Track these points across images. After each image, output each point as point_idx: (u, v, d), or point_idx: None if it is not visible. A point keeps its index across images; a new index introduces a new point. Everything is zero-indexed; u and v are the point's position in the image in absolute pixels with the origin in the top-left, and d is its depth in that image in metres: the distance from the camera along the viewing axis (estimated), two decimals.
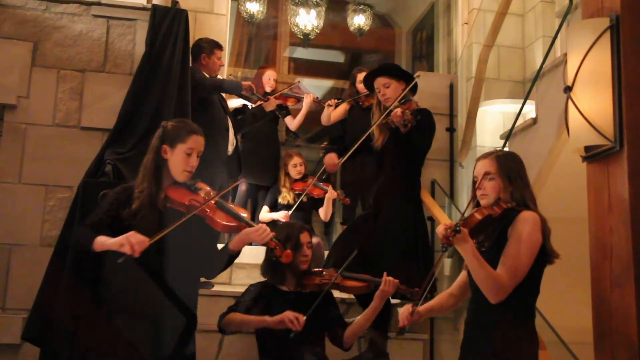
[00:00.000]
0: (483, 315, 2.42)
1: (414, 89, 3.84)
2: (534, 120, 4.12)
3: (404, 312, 2.56)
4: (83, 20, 3.97)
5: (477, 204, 2.53)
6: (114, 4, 3.99)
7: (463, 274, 2.65)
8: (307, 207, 4.96)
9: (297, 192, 4.94)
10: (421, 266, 3.50)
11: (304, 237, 3.10)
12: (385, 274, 3.02)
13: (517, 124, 4.24)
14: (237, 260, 2.85)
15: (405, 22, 8.02)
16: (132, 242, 2.40)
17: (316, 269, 3.24)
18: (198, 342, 2.78)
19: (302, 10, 6.34)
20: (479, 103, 5.09)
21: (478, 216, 2.42)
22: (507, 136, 4.04)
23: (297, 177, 4.98)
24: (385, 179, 3.75)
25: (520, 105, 4.24)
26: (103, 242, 2.47)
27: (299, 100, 5.44)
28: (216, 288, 4.17)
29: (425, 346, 4.05)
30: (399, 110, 3.56)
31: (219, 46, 4.71)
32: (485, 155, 2.56)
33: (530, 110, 4.31)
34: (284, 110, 5.45)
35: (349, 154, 3.76)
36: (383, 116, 3.69)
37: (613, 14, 2.63)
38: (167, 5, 4.04)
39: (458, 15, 6.13)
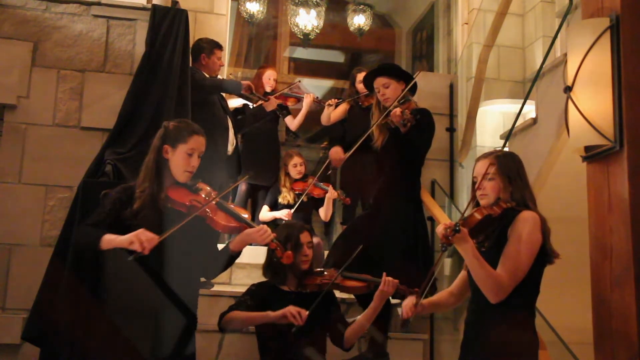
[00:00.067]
0: (483, 315, 2.43)
1: (413, 89, 3.84)
2: (534, 120, 4.12)
3: (407, 303, 2.57)
4: (83, 20, 3.97)
5: (477, 204, 2.53)
6: (114, 4, 3.99)
7: (463, 274, 2.65)
8: (308, 207, 4.96)
9: (297, 192, 4.95)
10: (421, 266, 3.50)
11: (304, 237, 3.10)
12: (384, 274, 3.02)
13: (517, 124, 4.25)
14: (237, 260, 2.85)
15: (405, 22, 8.02)
16: (141, 239, 2.40)
17: (317, 269, 3.24)
18: (198, 342, 2.79)
19: (302, 10, 6.33)
20: (479, 103, 5.09)
21: (478, 216, 2.42)
22: (507, 136, 4.05)
23: (297, 177, 4.98)
24: (385, 179, 3.75)
25: (520, 105, 4.24)
26: (112, 240, 2.47)
27: (299, 100, 5.44)
28: (216, 288, 4.17)
29: (425, 346, 4.05)
30: (398, 110, 3.56)
31: (219, 46, 4.71)
32: (485, 156, 2.56)
33: (530, 110, 4.31)
34: (284, 110, 5.45)
35: (354, 148, 3.76)
36: (383, 116, 3.69)
37: (613, 14, 2.63)
38: (167, 5, 4.04)
39: (458, 15, 6.13)
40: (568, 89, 2.69)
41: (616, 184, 2.56)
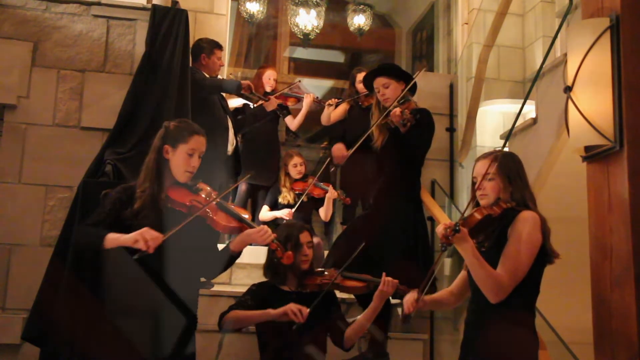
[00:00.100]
0: (483, 315, 2.43)
1: (413, 89, 3.84)
2: (534, 120, 4.12)
3: (409, 299, 2.57)
4: (83, 20, 3.97)
5: (477, 204, 2.53)
6: (114, 4, 3.99)
7: (463, 274, 2.65)
8: (308, 207, 4.96)
9: (297, 192, 4.95)
10: (421, 266, 3.50)
11: (304, 237, 3.10)
12: (384, 274, 3.02)
13: (517, 124, 4.24)
14: (237, 261, 2.85)
15: (405, 22, 8.02)
16: (146, 238, 2.40)
17: (318, 269, 3.24)
18: (198, 342, 2.78)
19: (302, 10, 6.33)
20: (479, 103, 5.09)
21: (478, 216, 2.42)
22: (507, 136, 4.04)
23: (298, 177, 4.98)
24: (385, 179, 3.75)
25: (520, 105, 4.23)
26: (116, 238, 2.47)
27: (299, 100, 5.44)
28: (216, 288, 4.17)
29: (425, 346, 4.05)
30: (398, 110, 3.56)
31: (219, 46, 4.71)
32: (485, 156, 2.56)
33: (530, 110, 4.31)
34: (285, 110, 5.45)
35: (357, 144, 3.76)
36: (382, 117, 3.69)
37: (613, 14, 2.63)
38: (167, 5, 4.04)
39: (458, 15, 6.13)
40: (568, 89, 2.69)
41: (616, 184, 2.55)
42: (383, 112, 3.72)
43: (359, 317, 3.10)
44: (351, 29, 6.80)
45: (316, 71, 8.03)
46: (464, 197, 4.92)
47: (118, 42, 3.99)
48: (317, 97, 5.54)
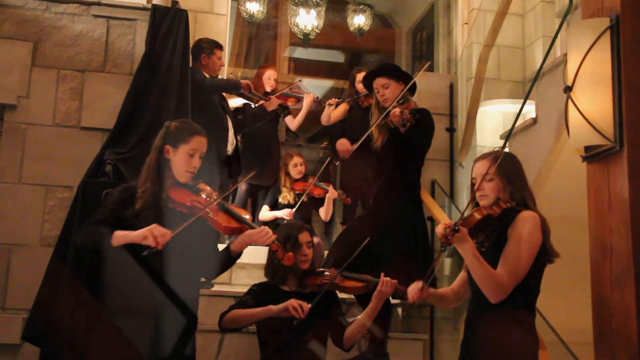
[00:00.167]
0: (483, 315, 2.42)
1: (413, 89, 3.84)
2: (534, 120, 4.12)
3: (413, 288, 2.57)
4: (83, 20, 3.97)
5: (477, 205, 2.53)
6: (114, 4, 4.00)
7: (463, 275, 2.65)
8: (308, 207, 4.96)
9: (297, 192, 4.95)
10: (421, 266, 3.49)
11: (303, 237, 3.10)
12: (382, 274, 3.02)
13: (517, 124, 4.24)
14: (237, 261, 2.84)
15: (405, 22, 8.02)
16: (155, 234, 2.41)
17: (318, 270, 3.24)
18: (198, 342, 2.79)
19: (302, 10, 6.33)
20: (479, 103, 5.09)
21: (477, 216, 2.42)
22: (507, 136, 4.04)
23: (298, 176, 4.98)
24: (385, 179, 3.75)
25: (520, 105, 4.23)
26: (124, 235, 2.47)
27: (299, 100, 5.44)
28: (216, 288, 4.17)
29: (425, 346, 4.05)
30: (397, 110, 3.56)
31: (219, 46, 4.71)
32: (483, 157, 2.57)
33: (530, 110, 4.31)
34: (285, 110, 5.45)
35: (361, 140, 3.76)
36: (382, 117, 3.69)
37: (613, 14, 2.63)
38: (167, 5, 4.04)
39: (458, 15, 6.13)
40: (568, 89, 2.69)
41: (616, 184, 2.55)
42: (383, 112, 3.72)
43: (358, 317, 3.10)
44: (351, 29, 6.79)
45: (316, 71, 8.03)
46: (464, 197, 4.92)
47: (118, 42, 3.99)
48: (317, 97, 5.54)
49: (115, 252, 2.49)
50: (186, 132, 2.68)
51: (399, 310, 4.31)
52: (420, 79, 3.99)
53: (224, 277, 4.56)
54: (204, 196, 2.67)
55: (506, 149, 4.05)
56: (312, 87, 6.65)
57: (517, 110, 4.24)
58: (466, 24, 5.95)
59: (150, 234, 2.40)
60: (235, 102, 5.15)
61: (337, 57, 8.33)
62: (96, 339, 2.58)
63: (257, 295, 3.03)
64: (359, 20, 6.71)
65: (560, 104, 3.04)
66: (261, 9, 6.33)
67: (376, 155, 3.80)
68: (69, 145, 3.83)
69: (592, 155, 2.67)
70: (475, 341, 2.44)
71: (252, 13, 6.29)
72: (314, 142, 7.25)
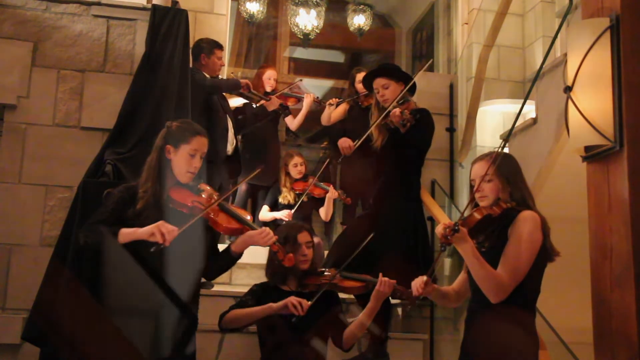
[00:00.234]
0: (483, 315, 2.42)
1: (412, 89, 3.84)
2: (534, 120, 4.12)
3: (417, 281, 2.57)
4: (83, 20, 3.97)
5: (476, 206, 2.53)
6: (114, 4, 4.00)
7: (463, 276, 2.65)
8: (308, 207, 4.96)
9: (297, 192, 4.95)
10: (421, 266, 3.49)
11: (302, 237, 3.10)
12: (380, 274, 3.01)
13: (517, 124, 4.24)
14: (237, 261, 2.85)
15: (405, 22, 8.02)
16: (162, 231, 2.41)
17: (319, 270, 3.24)
18: (198, 342, 2.78)
19: (302, 10, 6.33)
20: (479, 103, 5.09)
21: (477, 216, 2.42)
22: (507, 136, 4.04)
23: (298, 176, 4.98)
24: (385, 179, 3.75)
25: (520, 105, 4.24)
26: (130, 233, 2.48)
27: (299, 100, 5.44)
28: (216, 288, 4.16)
29: (425, 346, 4.05)
30: (397, 110, 3.56)
31: (218, 46, 4.71)
32: (481, 157, 2.57)
33: (530, 110, 4.31)
34: (286, 110, 5.45)
35: (362, 139, 3.76)
36: (382, 117, 3.69)
37: (613, 14, 2.63)
38: (167, 5, 4.04)
39: (458, 15, 6.13)
40: (568, 89, 2.69)
41: (616, 184, 2.55)
42: (382, 112, 3.72)
43: (357, 317, 3.10)
44: (351, 29, 6.79)
45: (316, 71, 8.03)
46: (464, 197, 4.92)
47: (118, 42, 3.99)
48: (317, 97, 5.54)
49: (115, 251, 2.49)
50: (187, 132, 2.68)
51: (399, 310, 4.31)
52: (420, 79, 3.99)
53: (224, 277, 4.55)
54: (204, 196, 2.67)
55: (505, 149, 4.06)
56: (312, 87, 6.65)
57: (517, 110, 4.25)
58: (466, 24, 5.95)
59: (158, 231, 2.41)
60: (235, 102, 5.15)
61: (337, 57, 8.32)
62: (96, 339, 2.58)
63: (257, 295, 3.03)
64: (359, 20, 6.71)
65: (560, 104, 3.04)
66: (261, 9, 6.33)
67: (376, 155, 3.80)
68: (69, 145, 3.83)
69: (592, 155, 2.67)
70: (475, 341, 2.44)
71: (252, 13, 6.29)
72: (314, 142, 7.25)
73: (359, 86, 4.97)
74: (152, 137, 2.77)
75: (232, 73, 6.47)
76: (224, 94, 4.84)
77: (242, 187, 5.24)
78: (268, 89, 5.34)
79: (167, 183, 2.65)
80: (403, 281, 3.04)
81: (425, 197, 4.36)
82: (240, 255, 2.75)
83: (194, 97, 3.97)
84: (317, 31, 6.41)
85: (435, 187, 4.96)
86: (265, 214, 4.97)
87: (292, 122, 5.52)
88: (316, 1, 6.32)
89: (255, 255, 4.12)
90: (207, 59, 4.63)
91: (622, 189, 2.51)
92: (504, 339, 2.35)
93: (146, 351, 2.52)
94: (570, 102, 2.68)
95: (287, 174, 5.00)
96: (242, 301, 3.00)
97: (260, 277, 3.19)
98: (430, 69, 6.62)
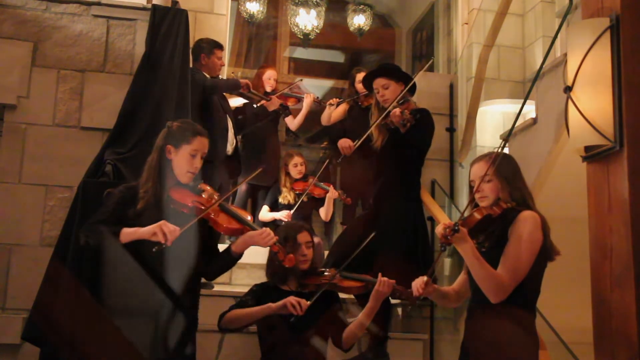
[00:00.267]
0: (483, 315, 2.42)
1: (412, 89, 3.84)
2: (534, 120, 4.12)
3: (418, 281, 2.57)
4: (83, 20, 3.97)
5: (476, 206, 2.53)
6: (114, 4, 4.00)
7: (463, 276, 2.65)
8: (308, 207, 4.96)
9: (297, 192, 4.95)
10: (421, 266, 3.49)
11: (302, 237, 3.10)
12: (380, 274, 3.01)
13: (517, 124, 4.24)
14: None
15: (405, 22, 8.02)
16: (164, 230, 2.41)
17: (319, 269, 3.24)
18: (198, 342, 2.78)
19: (302, 10, 6.33)
20: (479, 103, 5.09)
21: (477, 216, 2.42)
22: (507, 136, 4.04)
23: (298, 176, 4.98)
24: (385, 179, 3.75)
25: (520, 105, 4.23)
26: (132, 232, 2.47)
27: (299, 100, 5.44)
28: (216, 288, 4.17)
29: (425, 346, 4.05)
30: (397, 110, 3.56)
31: (219, 46, 4.71)
32: (480, 158, 2.57)
33: (530, 110, 4.31)
34: (286, 110, 5.45)
35: (362, 139, 3.76)
36: (382, 117, 3.69)
37: (613, 14, 2.63)
38: (167, 5, 4.04)
39: (458, 15, 6.12)
40: (568, 89, 2.69)
41: (616, 184, 2.55)
42: (382, 113, 3.72)
43: (357, 317, 3.10)
44: (351, 29, 6.79)
45: (316, 71, 8.02)
46: (464, 197, 4.92)
47: (118, 42, 3.99)
48: (317, 97, 5.54)
49: (115, 251, 2.49)
50: (188, 132, 2.68)
51: (399, 310, 4.31)
52: (420, 79, 3.99)
53: (224, 277, 4.54)
54: (205, 197, 2.67)
55: (505, 149, 4.06)
56: (312, 87, 6.65)
57: (517, 110, 4.24)
58: (466, 24, 5.94)
59: (160, 230, 2.41)
60: (235, 102, 5.15)
61: (337, 57, 8.32)
62: (96, 339, 2.58)
63: (257, 295, 3.03)
64: (359, 20, 6.71)
65: (560, 104, 3.04)
66: (261, 9, 6.33)
67: (376, 156, 3.80)
68: (69, 145, 3.83)
69: (592, 155, 2.67)
70: (475, 341, 2.44)
71: (252, 13, 6.29)
72: (314, 142, 7.25)
73: (359, 86, 4.97)
74: (152, 137, 2.77)
75: (232, 73, 6.47)
76: (224, 94, 4.83)
77: (242, 187, 5.24)
78: (268, 89, 5.34)
79: (167, 183, 2.65)
80: (403, 281, 3.04)
81: (425, 197, 4.36)
82: (240, 255, 2.75)
83: (194, 97, 3.97)
84: (317, 31, 6.41)
85: (435, 187, 4.96)
86: (265, 214, 4.97)
87: (292, 122, 5.52)
88: (316, 1, 6.32)
89: (255, 255, 4.11)
90: (207, 59, 4.63)
91: (622, 189, 2.51)
92: (504, 339, 2.35)
93: (146, 351, 2.52)
94: (570, 102, 2.68)
95: (287, 174, 5.00)
96: (242, 301, 3.01)
97: (260, 277, 3.19)
98: (430, 69, 6.62)
